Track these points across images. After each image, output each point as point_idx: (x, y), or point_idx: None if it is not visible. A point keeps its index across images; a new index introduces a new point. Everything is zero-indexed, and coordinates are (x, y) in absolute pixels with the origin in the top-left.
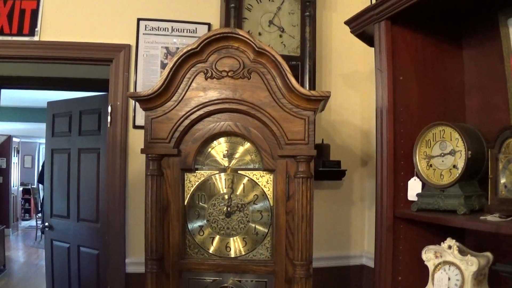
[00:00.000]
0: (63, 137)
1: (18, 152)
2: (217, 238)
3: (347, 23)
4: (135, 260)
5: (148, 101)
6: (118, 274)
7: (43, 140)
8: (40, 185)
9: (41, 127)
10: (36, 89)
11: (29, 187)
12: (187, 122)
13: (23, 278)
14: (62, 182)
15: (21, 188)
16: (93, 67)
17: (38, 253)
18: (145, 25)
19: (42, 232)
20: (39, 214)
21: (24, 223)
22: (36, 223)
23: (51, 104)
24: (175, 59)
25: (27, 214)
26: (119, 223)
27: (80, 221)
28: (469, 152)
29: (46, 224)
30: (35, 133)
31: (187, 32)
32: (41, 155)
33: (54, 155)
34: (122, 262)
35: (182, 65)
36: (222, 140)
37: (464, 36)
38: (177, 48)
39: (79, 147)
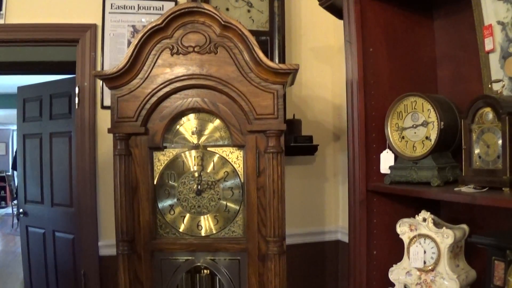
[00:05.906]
0: (34, 122)
1: None
2: (187, 216)
3: None
4: (108, 243)
5: (114, 80)
6: (91, 258)
7: (16, 127)
8: (15, 172)
9: (14, 113)
10: (4, 74)
11: (4, 174)
12: (154, 99)
13: (1, 266)
14: (35, 167)
15: None
16: (61, 49)
17: (15, 241)
18: (111, 4)
19: (18, 219)
20: (15, 201)
21: (1, 211)
22: (12, 211)
23: (21, 89)
24: (139, 36)
25: (3, 202)
26: (91, 205)
27: (54, 206)
28: (442, 123)
29: (21, 210)
30: (7, 119)
31: (153, 9)
32: (15, 141)
33: (26, 140)
34: (95, 245)
35: (147, 42)
36: (190, 117)
37: (435, 6)
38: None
39: (51, 131)
